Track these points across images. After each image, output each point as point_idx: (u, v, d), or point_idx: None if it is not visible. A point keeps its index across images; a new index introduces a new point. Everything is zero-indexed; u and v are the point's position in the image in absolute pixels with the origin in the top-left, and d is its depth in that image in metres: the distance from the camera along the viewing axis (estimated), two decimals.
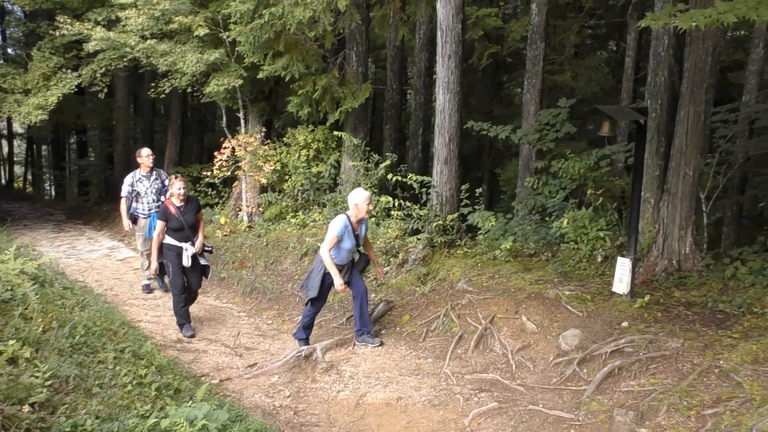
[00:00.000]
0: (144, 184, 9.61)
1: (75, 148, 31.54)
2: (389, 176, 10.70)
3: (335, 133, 12.27)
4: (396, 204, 10.37)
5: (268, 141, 13.33)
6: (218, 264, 11.46)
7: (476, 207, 9.78)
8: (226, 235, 12.57)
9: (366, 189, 7.51)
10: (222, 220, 13.08)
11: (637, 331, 6.37)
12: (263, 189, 13.30)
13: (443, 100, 9.59)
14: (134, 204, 9.67)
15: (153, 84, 13.83)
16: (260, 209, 13.10)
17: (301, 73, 11.26)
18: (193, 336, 7.98)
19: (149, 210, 9.60)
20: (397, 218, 10.31)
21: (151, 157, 9.62)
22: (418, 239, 9.64)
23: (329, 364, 6.99)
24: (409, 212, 10.11)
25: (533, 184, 9.97)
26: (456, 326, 7.44)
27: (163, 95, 13.76)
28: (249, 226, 12.81)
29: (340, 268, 7.30)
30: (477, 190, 10.11)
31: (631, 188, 7.47)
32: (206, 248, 8.09)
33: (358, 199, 7.26)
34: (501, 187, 17.98)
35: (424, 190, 10.07)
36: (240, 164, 12.88)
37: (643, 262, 7.92)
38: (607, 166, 9.66)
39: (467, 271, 8.70)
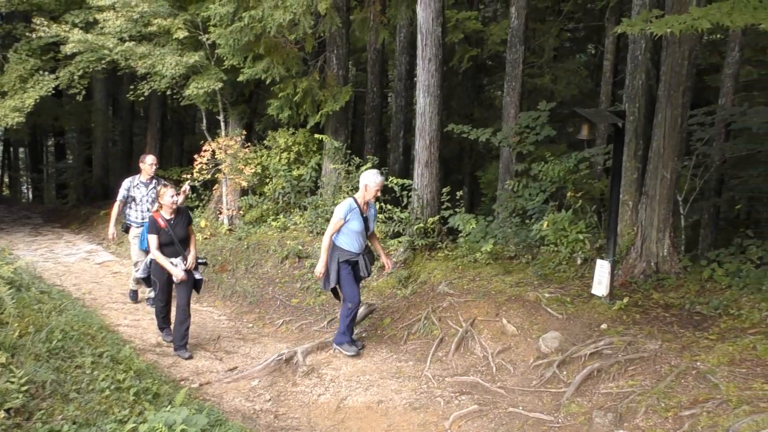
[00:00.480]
0: (141, 191, 9.07)
1: (53, 150, 31.25)
2: None
3: (316, 136, 12.25)
4: (377, 207, 10.38)
5: (249, 144, 13.28)
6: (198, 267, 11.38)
7: (457, 210, 9.81)
8: (206, 238, 12.49)
9: (378, 172, 7.20)
10: (202, 223, 13.00)
11: (616, 333, 6.43)
12: (244, 192, 13.24)
13: (424, 103, 9.62)
14: (128, 210, 9.13)
15: (132, 86, 13.73)
16: (241, 212, 13.05)
17: (281, 76, 11.22)
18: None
19: (143, 219, 8.98)
20: (378, 221, 10.32)
21: (154, 166, 9.10)
22: (399, 242, 9.65)
23: (310, 368, 6.97)
24: (390, 215, 10.13)
25: (513, 186, 10.03)
26: (437, 329, 7.45)
27: (142, 98, 13.67)
28: (229, 229, 12.75)
29: (354, 258, 7.05)
30: (458, 192, 10.15)
31: (609, 191, 7.53)
32: (200, 260, 7.51)
33: (369, 180, 7.04)
34: (481, 190, 18.06)
35: (405, 193, 10.09)
36: (220, 167, 12.82)
37: (621, 264, 7.99)
38: (586, 168, 9.74)
39: (448, 273, 8.72)
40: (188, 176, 13.19)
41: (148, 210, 8.94)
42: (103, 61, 13.13)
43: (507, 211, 9.97)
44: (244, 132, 13.59)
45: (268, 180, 12.73)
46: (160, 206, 7.19)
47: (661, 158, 7.64)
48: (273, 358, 7.13)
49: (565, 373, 6.13)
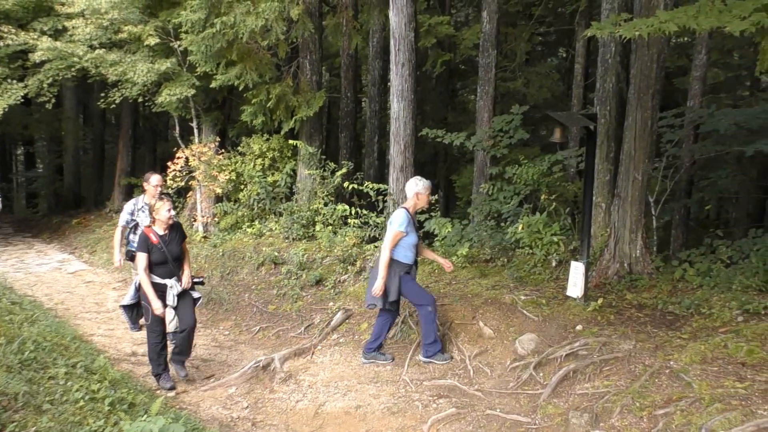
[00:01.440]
0: (146, 215, 8.07)
1: (22, 159, 30.79)
2: (345, 184, 10.72)
3: (290, 141, 12.23)
4: (353, 212, 10.40)
5: (223, 150, 13.22)
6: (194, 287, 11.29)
7: (432, 214, 9.85)
8: None
9: (420, 178, 6.92)
10: None
11: (591, 334, 6.49)
12: (218, 199, 13.18)
13: (398, 107, 9.65)
14: (131, 237, 8.19)
15: (103, 94, 13.61)
16: (215, 219, 12.97)
17: (254, 82, 11.20)
18: (173, 388, 6.60)
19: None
20: (354, 226, 10.34)
21: (159, 188, 8.13)
22: (375, 247, 9.66)
23: (287, 374, 6.95)
24: (366, 220, 10.15)
25: (488, 190, 10.10)
26: (414, 333, 7.47)
27: (114, 105, 13.55)
28: (204, 237, 12.68)
29: (408, 268, 6.76)
30: (433, 197, 10.18)
31: (582, 193, 7.62)
32: (196, 280, 6.86)
33: (419, 188, 6.75)
34: (457, 194, 18.14)
35: (380, 197, 10.11)
36: (194, 174, 12.75)
37: (596, 265, 8.07)
38: (559, 171, 9.84)
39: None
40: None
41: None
42: (72, 69, 13.00)
43: (482, 215, 10.04)
44: (218, 138, 13.54)
45: (242, 186, 12.68)
46: (153, 221, 6.45)
47: (633, 160, 7.74)
48: (250, 365, 7.09)
49: (541, 374, 6.18)
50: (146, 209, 8.06)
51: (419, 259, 7.23)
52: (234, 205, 12.61)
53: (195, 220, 13.25)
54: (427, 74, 18.35)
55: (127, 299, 6.98)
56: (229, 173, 12.55)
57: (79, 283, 11.36)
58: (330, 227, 10.91)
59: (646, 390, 5.24)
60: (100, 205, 20.06)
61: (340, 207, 10.66)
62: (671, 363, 5.55)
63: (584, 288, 7.14)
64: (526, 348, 6.62)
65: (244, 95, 11.98)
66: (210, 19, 10.67)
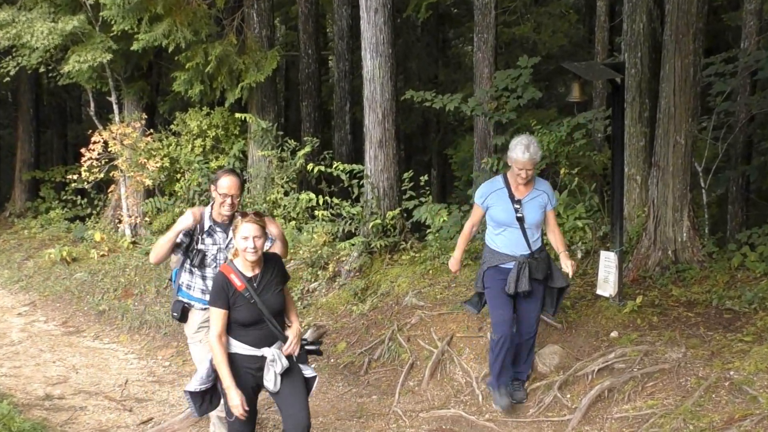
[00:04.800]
0: (216, 240, 5.65)
1: None
2: (310, 167, 10.67)
3: (237, 115, 12.16)
4: (321, 202, 10.36)
5: (152, 131, 13.14)
6: (95, 293, 11.24)
7: (423, 199, 9.84)
8: (103, 256, 12.33)
9: (525, 142, 5.94)
10: (97, 237, 12.84)
11: (630, 342, 6.53)
12: (149, 193, 13.10)
13: (372, 65, 9.62)
14: (187, 277, 5.78)
15: None
16: (146, 219, 12.90)
17: (188, 41, 11.11)
18: None
19: None
20: (323, 220, 10.30)
21: (230, 198, 5.50)
22: (352, 245, 9.65)
23: None
24: (338, 211, 10.11)
25: (492, 165, 10.10)
26: (405, 352, 7.47)
27: (8, 78, 13.40)
28: (133, 242, 12.60)
29: (507, 264, 6.07)
30: (423, 177, 10.18)
31: (611, 164, 7.64)
32: (309, 345, 5.32)
33: (510, 153, 6.03)
34: (453, 172, 18.16)
35: (355, 181, 10.07)
36: (116, 163, 12.66)
37: (632, 255, 8.10)
38: (582, 138, 9.84)
39: (416, 281, 8.75)
40: (75, 177, 13.01)
41: None
42: None
43: None
44: (145, 116, 13.44)
45: (179, 175, 12.61)
46: (235, 253, 4.96)
47: (673, 120, 7.76)
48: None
49: (568, 395, 6.21)
50: (216, 232, 5.62)
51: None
52: (169, 200, 12.53)
53: (120, 222, 13.18)
54: (409, 22, 18.33)
55: (196, 382, 5.04)
56: (161, 159, 12.47)
57: None
58: (293, 222, 10.88)
59: (700, 408, 5.28)
60: None
61: (304, 196, 10.63)
62: (731, 373, 5.59)
63: (618, 284, 7.15)
64: (549, 363, 6.65)
65: (176, 59, 11.88)
66: None
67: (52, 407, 7.33)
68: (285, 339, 4.93)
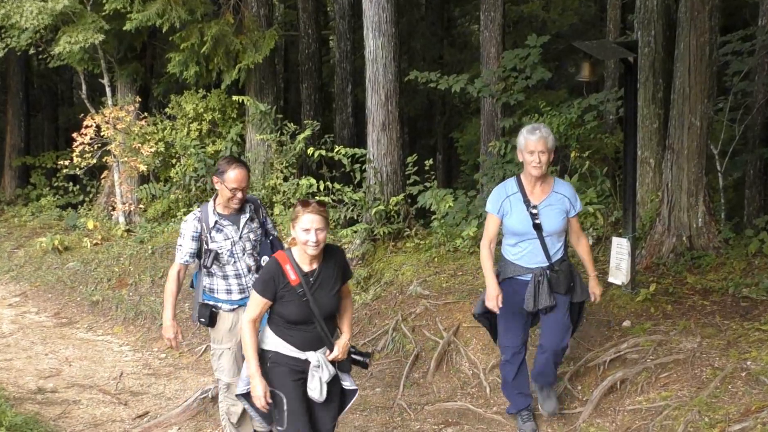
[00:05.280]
0: (227, 234, 5.46)
1: None
2: (310, 151, 10.67)
3: (235, 98, 12.14)
4: (322, 187, 10.36)
5: (146, 114, 13.12)
6: (88, 283, 11.25)
7: (428, 184, 9.83)
8: (97, 244, 12.33)
9: (533, 128, 5.37)
10: (90, 225, 12.84)
11: (643, 332, 6.52)
12: (143, 179, 13.10)
13: (375, 45, 9.60)
14: (207, 280, 5.57)
15: None
16: (141, 206, 12.90)
17: (183, 21, 11.09)
18: None
19: (242, 293, 5.54)
20: (332, 207, 10.30)
21: (239, 192, 5.37)
22: (354, 232, 9.65)
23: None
24: (340, 197, 10.11)
25: (500, 149, 10.09)
26: (410, 343, 7.48)
27: None
28: (127, 230, 12.61)
29: (525, 276, 5.49)
30: (428, 161, 10.16)
31: (624, 147, 7.62)
32: (357, 355, 4.87)
33: (519, 141, 5.50)
34: (459, 156, 18.13)
35: (357, 166, 10.07)
36: (109, 148, 12.65)
37: (645, 241, 8.09)
38: (593, 120, 9.83)
39: (421, 269, 8.75)
40: (66, 163, 13.00)
41: (253, 269, 5.56)
42: None
43: (494, 182, 10.03)
44: (139, 99, 13.43)
45: (174, 161, 12.61)
46: (292, 242, 4.65)
47: (688, 100, 7.74)
48: (196, 396, 7.07)
49: (579, 387, 6.21)
50: (226, 226, 5.43)
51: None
52: (164, 186, 12.54)
53: (113, 209, 13.17)
54: (413, 0, 18.26)
55: (243, 384, 4.73)
56: (156, 144, 12.47)
57: None
58: (293, 209, 10.86)
59: (716, 400, 5.28)
60: None
61: (304, 181, 10.62)
62: (748, 363, 5.59)
63: (631, 271, 7.16)
64: None
65: (170, 39, 11.87)
66: None
67: (44, 401, 7.35)
68: (331, 345, 4.60)
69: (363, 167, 10.01)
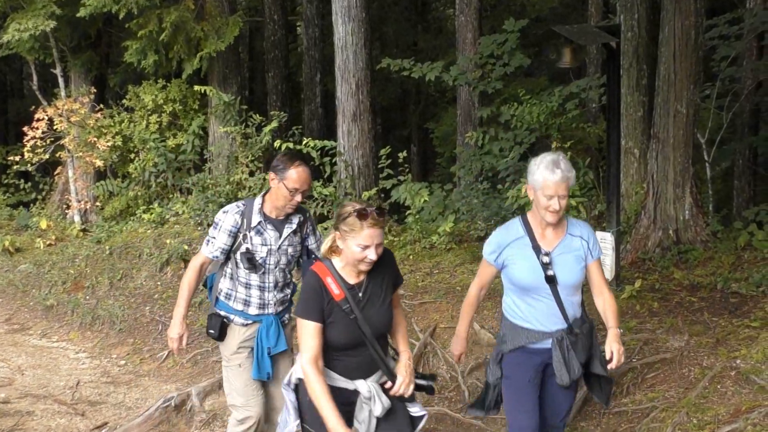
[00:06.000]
0: (266, 240, 4.98)
1: None
2: (277, 144, 10.65)
3: (197, 88, 12.09)
4: None
5: (102, 106, 13.03)
6: (42, 287, 11.18)
7: (402, 178, 9.84)
8: (50, 245, 12.24)
9: (553, 163, 4.22)
10: (43, 224, 12.75)
11: (628, 330, 6.56)
12: (100, 175, 13.02)
13: (344, 32, 9.60)
14: (228, 284, 5.09)
15: None
16: (97, 204, 12.83)
17: (140, 7, 11.03)
18: None
19: (274, 303, 5.10)
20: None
21: (299, 194, 4.83)
22: (325, 229, 9.64)
23: (211, 414, 6.93)
24: (310, 192, 10.10)
25: (478, 140, 10.11)
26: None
27: None
28: (83, 230, 12.53)
29: (540, 345, 4.49)
30: (402, 153, 10.17)
31: (606, 137, 7.66)
32: (421, 379, 4.33)
33: (531, 177, 4.36)
34: (435, 148, 18.19)
35: (327, 159, 10.07)
36: (63, 142, 12.56)
37: (630, 235, 8.15)
38: (575, 108, 9.88)
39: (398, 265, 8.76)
40: (17, 158, 12.89)
41: (282, 281, 5.13)
42: None
43: (471, 175, 10.06)
44: (94, 90, 13.34)
45: (132, 156, 12.54)
46: (334, 250, 4.02)
47: (673, 87, 7.79)
48: (158, 405, 7.03)
49: None
50: (268, 230, 4.93)
51: None
52: (122, 182, 12.48)
53: (68, 207, 13.09)
54: None
55: (286, 427, 4.22)
56: (113, 138, 12.40)
57: None
58: None
59: (705, 400, 5.32)
60: None
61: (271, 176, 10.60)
62: (738, 362, 5.64)
63: (615, 267, 7.20)
64: None
65: (127, 26, 11.80)
66: None
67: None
68: (388, 370, 4.01)
69: (333, 160, 10.01)
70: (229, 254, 4.96)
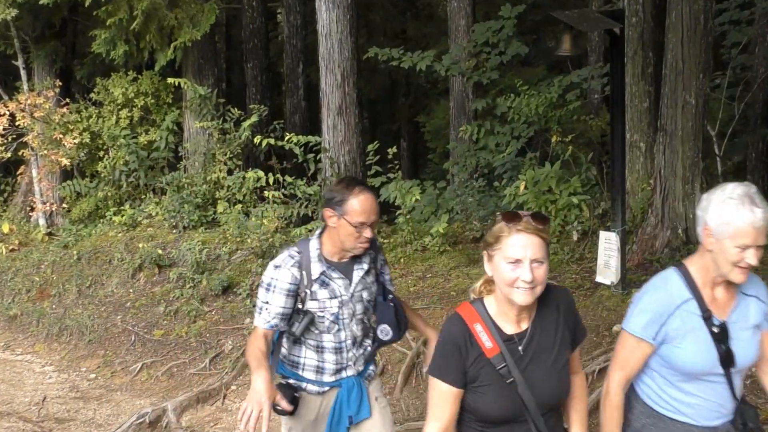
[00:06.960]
0: (336, 291, 4.16)
1: None
2: (257, 140, 10.64)
3: (170, 80, 12.09)
4: (271, 181, 10.34)
5: (68, 101, 12.99)
6: (4, 296, 11.14)
7: (391, 175, 9.84)
8: (13, 250, 12.19)
9: (750, 202, 3.21)
10: (5, 228, 12.70)
11: None
12: (66, 175, 12.99)
13: (328, 19, 9.60)
14: (294, 348, 4.32)
15: None
16: (64, 206, 12.79)
17: None
18: None
19: (354, 362, 4.28)
20: (274, 202, 10.29)
21: (367, 227, 3.99)
22: (309, 230, 9.64)
23: (188, 431, 6.93)
24: (292, 191, 10.10)
25: (472, 134, 10.12)
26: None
27: None
28: (49, 233, 12.49)
29: None
30: (391, 149, 10.17)
31: (611, 130, 7.67)
32: None
33: (714, 205, 3.25)
34: (427, 143, 18.19)
35: (311, 156, 10.07)
36: (26, 139, 12.53)
37: (636, 235, 8.16)
38: (576, 99, 9.89)
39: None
40: None
41: (359, 341, 4.28)
42: None
43: (465, 172, 10.07)
44: (59, 83, 13.29)
45: (102, 153, 12.51)
46: (483, 290, 3.22)
47: (681, 76, 7.81)
48: (131, 422, 7.04)
49: None
50: (334, 279, 4.12)
51: None
52: (91, 182, 12.45)
53: (32, 210, 13.04)
54: None
55: None
56: (80, 134, 12.37)
57: None
58: (239, 206, 10.83)
59: None
60: None
61: (251, 175, 10.60)
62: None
63: (621, 269, 7.21)
64: None
65: (95, 14, 11.78)
66: None
67: None
68: None
69: (318, 157, 10.01)
70: (291, 317, 4.12)
